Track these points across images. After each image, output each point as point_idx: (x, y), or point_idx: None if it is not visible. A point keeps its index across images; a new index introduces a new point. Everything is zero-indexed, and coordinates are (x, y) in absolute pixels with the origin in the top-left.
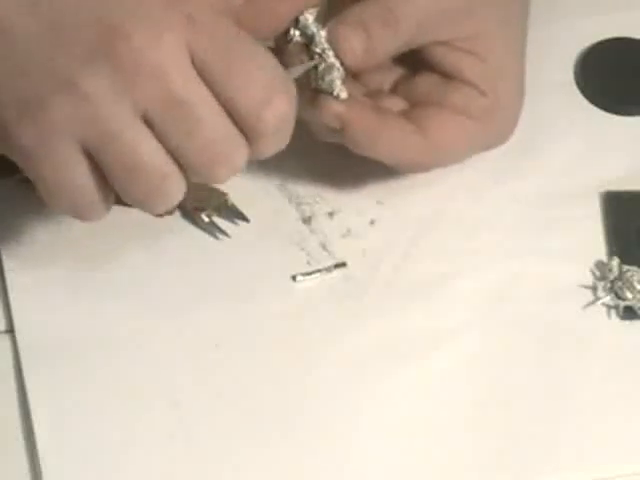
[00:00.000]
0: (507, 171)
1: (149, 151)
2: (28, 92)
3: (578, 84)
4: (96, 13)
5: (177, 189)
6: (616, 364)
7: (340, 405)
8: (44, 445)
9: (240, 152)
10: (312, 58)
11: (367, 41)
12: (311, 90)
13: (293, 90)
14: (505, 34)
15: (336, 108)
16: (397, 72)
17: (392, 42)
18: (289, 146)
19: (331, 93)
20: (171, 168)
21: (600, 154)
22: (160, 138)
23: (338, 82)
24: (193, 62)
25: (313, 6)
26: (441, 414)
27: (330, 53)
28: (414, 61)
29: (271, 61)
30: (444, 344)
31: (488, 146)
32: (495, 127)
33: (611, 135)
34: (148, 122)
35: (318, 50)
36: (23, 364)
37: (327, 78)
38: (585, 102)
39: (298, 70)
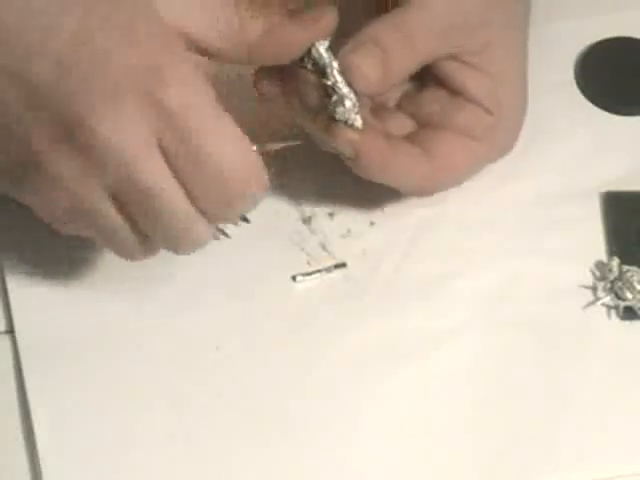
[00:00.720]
0: (507, 171)
1: (116, 227)
2: (6, 167)
3: (578, 84)
4: (72, 91)
5: (147, 255)
6: (616, 364)
7: (340, 405)
8: (44, 445)
9: (204, 232)
10: (325, 89)
11: (384, 64)
12: (325, 118)
13: (262, 177)
14: (510, 42)
15: (350, 136)
16: (403, 88)
17: (410, 61)
18: (290, 147)
19: (345, 122)
20: (137, 243)
21: (600, 154)
22: (127, 214)
23: (352, 112)
24: (163, 153)
25: (324, 37)
26: (441, 414)
27: (342, 85)
28: (420, 76)
29: (245, 158)
30: (444, 344)
31: (490, 162)
32: (498, 143)
33: (611, 135)
34: (117, 200)
35: (329, 83)
36: (23, 364)
37: (339, 109)
38: (585, 102)
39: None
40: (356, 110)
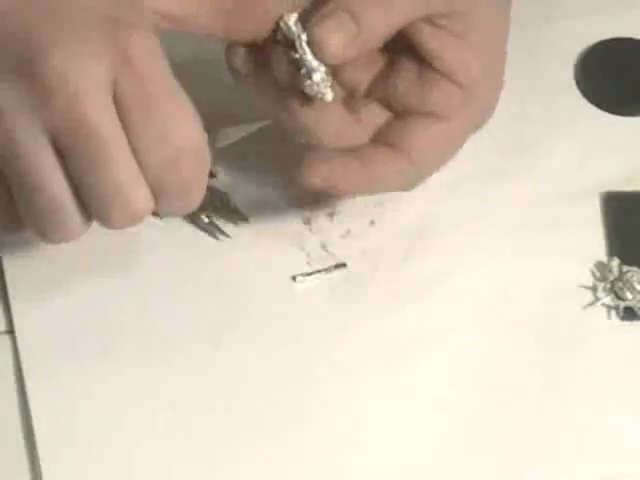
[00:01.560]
0: (507, 171)
1: (49, 175)
2: None
3: (578, 84)
4: (32, 25)
5: (73, 223)
6: (616, 364)
7: (340, 405)
8: (44, 445)
9: (141, 201)
10: (295, 63)
11: (354, 32)
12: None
13: (206, 155)
14: (493, 10)
15: (321, 174)
16: (374, 69)
17: (385, 26)
18: (289, 147)
19: (315, 97)
20: (69, 199)
21: (600, 154)
22: (66, 167)
23: (322, 86)
24: (115, 99)
25: (294, 8)
26: (441, 413)
27: (310, 57)
28: (392, 56)
29: (192, 117)
30: (444, 344)
31: (469, 135)
32: (473, 118)
33: (611, 135)
34: (57, 148)
35: (297, 56)
36: (23, 364)
37: (307, 82)
38: (585, 102)
39: (297, 80)
40: (325, 84)
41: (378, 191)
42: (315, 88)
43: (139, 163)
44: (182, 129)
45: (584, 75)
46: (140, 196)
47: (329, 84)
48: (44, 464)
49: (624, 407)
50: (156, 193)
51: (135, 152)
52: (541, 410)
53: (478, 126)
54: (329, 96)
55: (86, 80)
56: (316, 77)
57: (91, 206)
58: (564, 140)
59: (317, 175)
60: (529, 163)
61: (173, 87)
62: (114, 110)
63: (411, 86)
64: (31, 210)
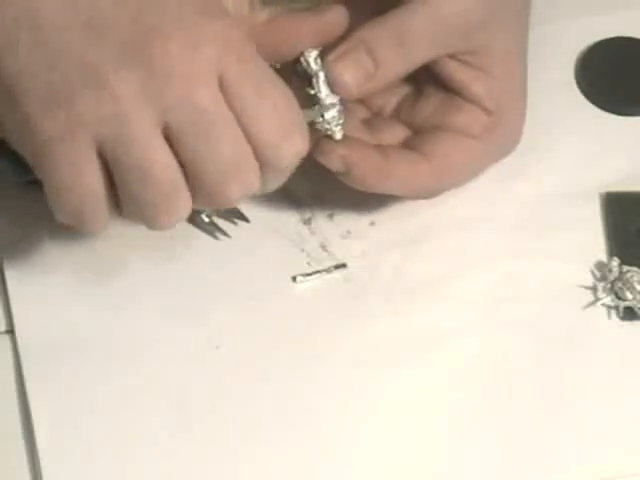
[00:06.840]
0: (507, 171)
1: (163, 161)
2: (57, 85)
3: (578, 84)
4: (135, 15)
5: (183, 206)
6: (616, 364)
7: (340, 405)
8: (44, 445)
9: (254, 174)
10: (310, 98)
11: (371, 70)
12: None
13: (307, 131)
14: (513, 47)
15: (339, 151)
16: (400, 94)
17: (401, 66)
18: None
19: (325, 133)
20: (181, 183)
21: (600, 154)
22: (176, 150)
23: (333, 124)
24: (220, 81)
25: (315, 47)
26: (441, 414)
27: (324, 96)
28: (418, 80)
29: (293, 98)
30: (444, 344)
31: (492, 162)
32: (498, 144)
33: (611, 135)
34: (167, 133)
35: (312, 92)
36: (23, 364)
37: (319, 119)
38: (585, 102)
39: (309, 114)
40: (336, 122)
41: (389, 191)
42: (326, 126)
43: (251, 140)
44: (290, 104)
45: (584, 75)
46: (252, 167)
47: (341, 122)
48: (44, 464)
49: (624, 407)
50: (262, 167)
51: (247, 128)
52: (541, 410)
53: (504, 152)
54: (338, 135)
55: (199, 66)
56: (328, 115)
57: (208, 184)
58: (564, 140)
59: (335, 152)
60: (529, 163)
61: (267, 66)
62: (221, 94)
63: (437, 109)
64: (143, 196)
